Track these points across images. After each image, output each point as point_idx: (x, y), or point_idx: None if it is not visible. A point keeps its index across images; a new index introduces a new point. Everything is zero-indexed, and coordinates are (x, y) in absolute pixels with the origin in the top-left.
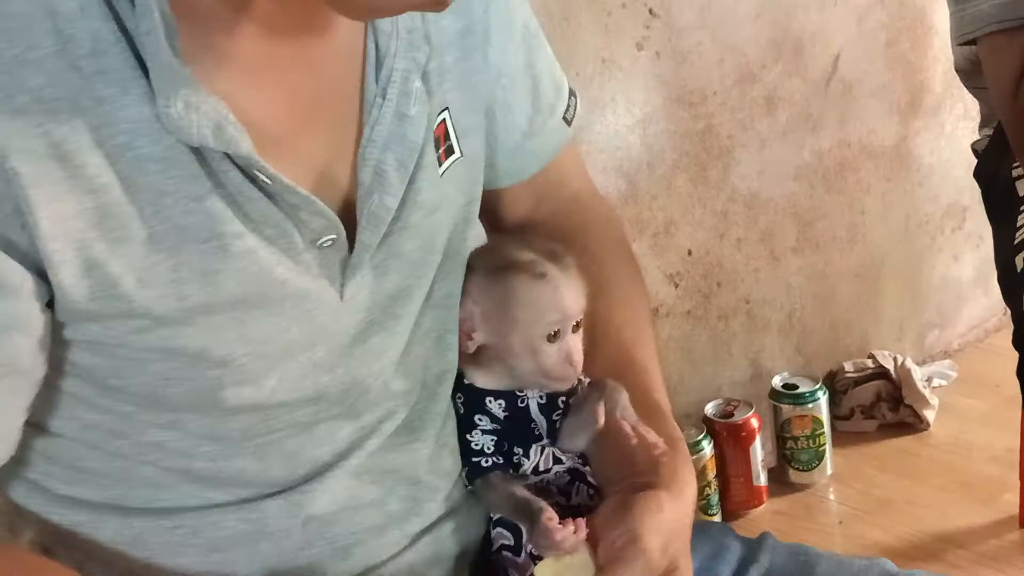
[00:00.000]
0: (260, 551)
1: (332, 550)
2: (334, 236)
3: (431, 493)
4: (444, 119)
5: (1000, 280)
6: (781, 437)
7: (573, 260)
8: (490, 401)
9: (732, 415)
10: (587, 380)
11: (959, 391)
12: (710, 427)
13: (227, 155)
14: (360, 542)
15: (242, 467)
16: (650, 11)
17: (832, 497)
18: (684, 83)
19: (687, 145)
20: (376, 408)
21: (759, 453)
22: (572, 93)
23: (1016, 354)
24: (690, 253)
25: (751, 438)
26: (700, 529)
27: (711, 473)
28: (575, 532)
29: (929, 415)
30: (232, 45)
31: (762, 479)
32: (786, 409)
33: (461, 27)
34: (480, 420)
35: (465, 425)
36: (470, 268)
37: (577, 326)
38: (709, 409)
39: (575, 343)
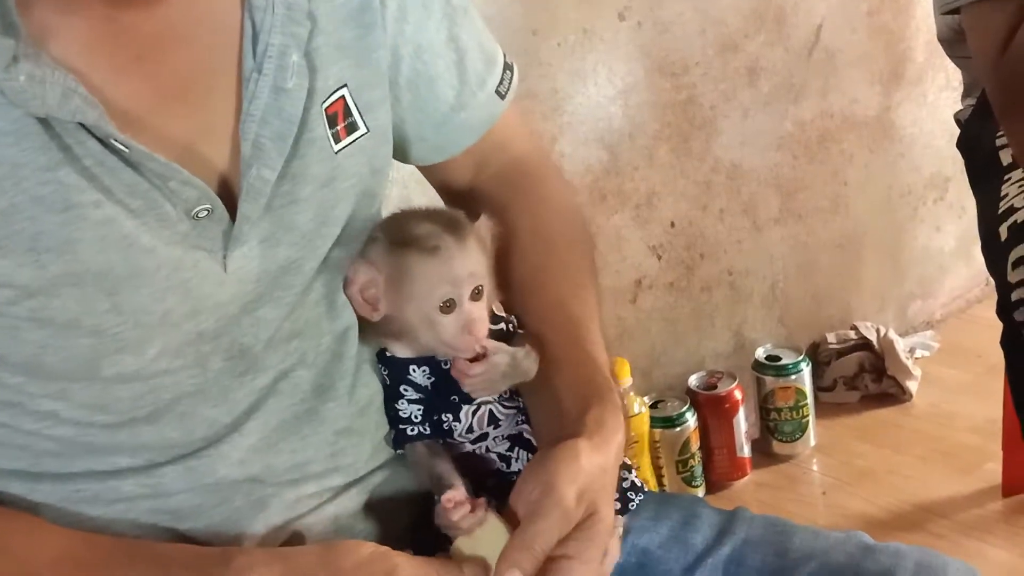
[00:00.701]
0: (169, 508)
1: (249, 503)
2: (208, 206)
3: (351, 449)
4: (343, 96)
5: (984, 249)
6: (764, 408)
7: (475, 227)
8: (413, 370)
9: (715, 387)
10: (518, 330)
11: (941, 362)
12: (693, 399)
13: (83, 126)
14: (275, 495)
15: (137, 434)
16: None
17: (815, 468)
18: (666, 53)
19: (669, 116)
20: (269, 371)
21: (742, 425)
22: (508, 67)
23: (999, 324)
24: (673, 225)
25: (734, 410)
26: (671, 500)
27: (695, 445)
28: (473, 511)
29: (912, 386)
30: (78, 20)
31: (745, 450)
32: (769, 381)
33: (357, 4)
34: (405, 391)
35: (391, 396)
36: (373, 239)
37: (477, 293)
38: (692, 381)
39: (475, 311)
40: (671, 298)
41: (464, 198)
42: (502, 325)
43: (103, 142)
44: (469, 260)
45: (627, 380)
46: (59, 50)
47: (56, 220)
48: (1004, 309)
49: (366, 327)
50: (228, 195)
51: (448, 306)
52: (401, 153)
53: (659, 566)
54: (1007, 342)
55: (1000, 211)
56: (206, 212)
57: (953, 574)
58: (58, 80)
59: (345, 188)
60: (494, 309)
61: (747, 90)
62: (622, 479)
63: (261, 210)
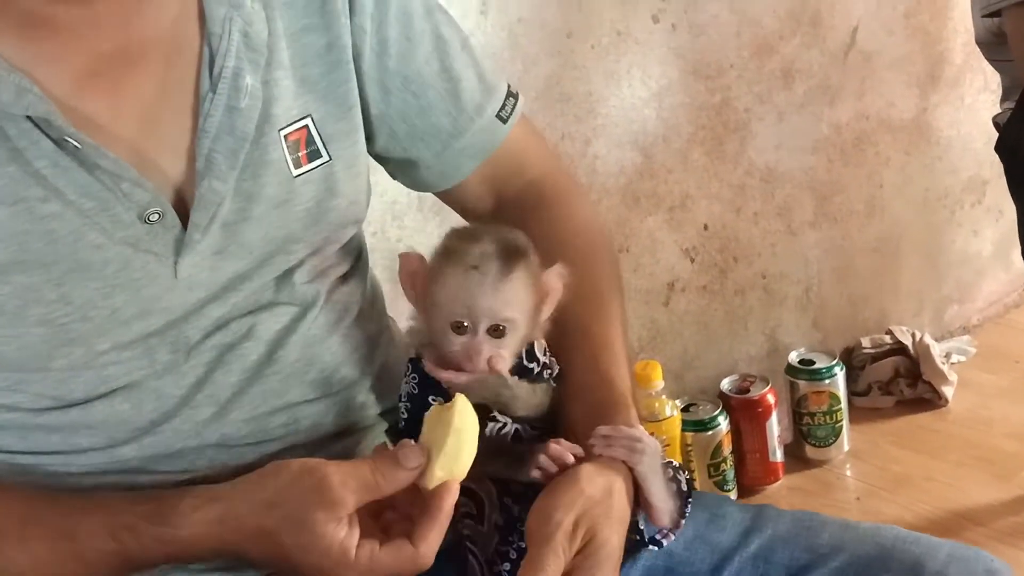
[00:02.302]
0: (136, 481)
1: (212, 465)
2: (159, 210)
3: (311, 415)
4: (306, 125)
5: None
6: (797, 413)
7: (527, 265)
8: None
9: (748, 391)
10: (554, 365)
11: (978, 367)
12: (726, 403)
13: (38, 127)
14: (238, 456)
15: (89, 411)
16: None
17: (849, 473)
18: (701, 55)
19: (703, 118)
20: (215, 348)
21: (775, 429)
22: (512, 95)
23: None
24: (706, 227)
25: (767, 414)
26: (696, 498)
27: (727, 449)
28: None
29: (947, 391)
30: (36, 34)
31: (778, 455)
32: (803, 385)
33: (324, 43)
34: (434, 399)
35: (417, 404)
36: (444, 236)
37: (497, 331)
38: (725, 384)
39: (484, 345)
40: (704, 301)
41: (500, 223)
42: (534, 366)
43: (56, 143)
44: (499, 297)
45: (659, 383)
46: (20, 63)
47: (4, 213)
48: None
49: (410, 331)
50: (183, 206)
51: (459, 328)
52: (411, 181)
53: (685, 568)
54: None
55: None
56: (157, 216)
57: (984, 567)
58: (13, 80)
59: (300, 211)
60: (535, 350)
61: (782, 92)
62: (677, 480)
63: (212, 221)
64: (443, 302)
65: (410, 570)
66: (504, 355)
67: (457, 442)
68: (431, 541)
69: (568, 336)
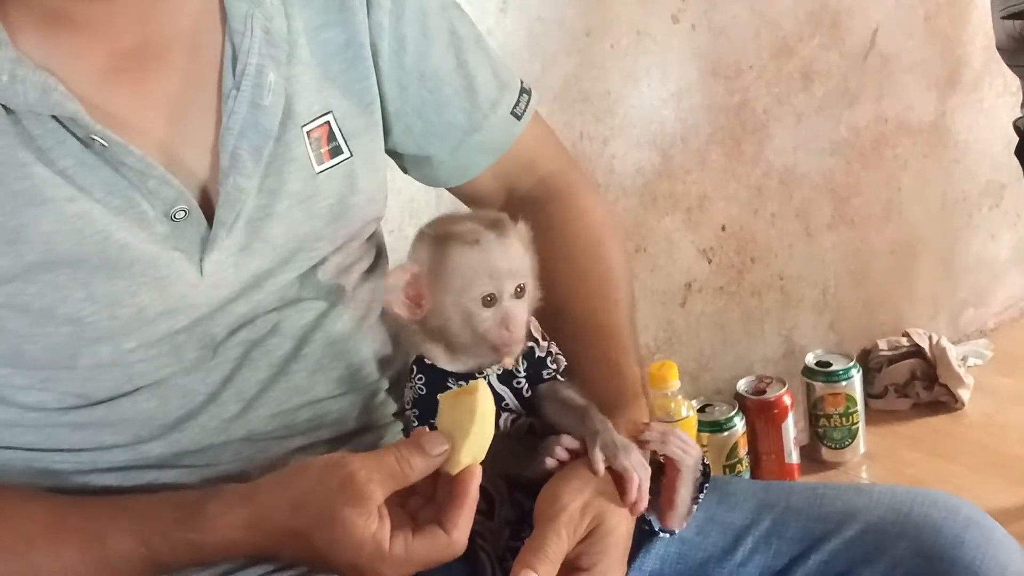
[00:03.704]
0: (160, 477)
1: (237, 460)
2: (185, 207)
3: (336, 409)
4: (328, 121)
5: None
6: (814, 415)
7: (517, 227)
8: (451, 382)
9: (764, 392)
10: (555, 350)
11: (994, 370)
12: (742, 404)
13: (63, 126)
14: (263, 451)
15: (115, 408)
16: None
17: (865, 476)
18: (720, 56)
19: (722, 119)
20: (241, 345)
21: (791, 430)
22: (525, 91)
23: None
24: (724, 228)
25: (783, 415)
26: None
27: (743, 450)
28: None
29: (964, 394)
30: (59, 33)
31: (794, 457)
32: (819, 387)
33: (343, 40)
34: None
35: (426, 407)
36: (419, 236)
37: (520, 290)
38: (741, 386)
39: (515, 309)
40: (721, 302)
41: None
42: (532, 345)
43: (83, 141)
44: (510, 256)
45: (675, 384)
46: (42, 60)
47: (34, 213)
48: None
49: (407, 333)
50: (207, 203)
51: (489, 300)
52: (424, 176)
53: (698, 552)
54: None
55: None
56: (183, 213)
57: (1000, 539)
58: (39, 79)
59: (322, 208)
60: (531, 330)
61: (801, 94)
62: (700, 469)
63: (237, 218)
64: (463, 283)
65: (445, 557)
66: (525, 318)
67: (481, 426)
68: (462, 527)
69: (577, 329)
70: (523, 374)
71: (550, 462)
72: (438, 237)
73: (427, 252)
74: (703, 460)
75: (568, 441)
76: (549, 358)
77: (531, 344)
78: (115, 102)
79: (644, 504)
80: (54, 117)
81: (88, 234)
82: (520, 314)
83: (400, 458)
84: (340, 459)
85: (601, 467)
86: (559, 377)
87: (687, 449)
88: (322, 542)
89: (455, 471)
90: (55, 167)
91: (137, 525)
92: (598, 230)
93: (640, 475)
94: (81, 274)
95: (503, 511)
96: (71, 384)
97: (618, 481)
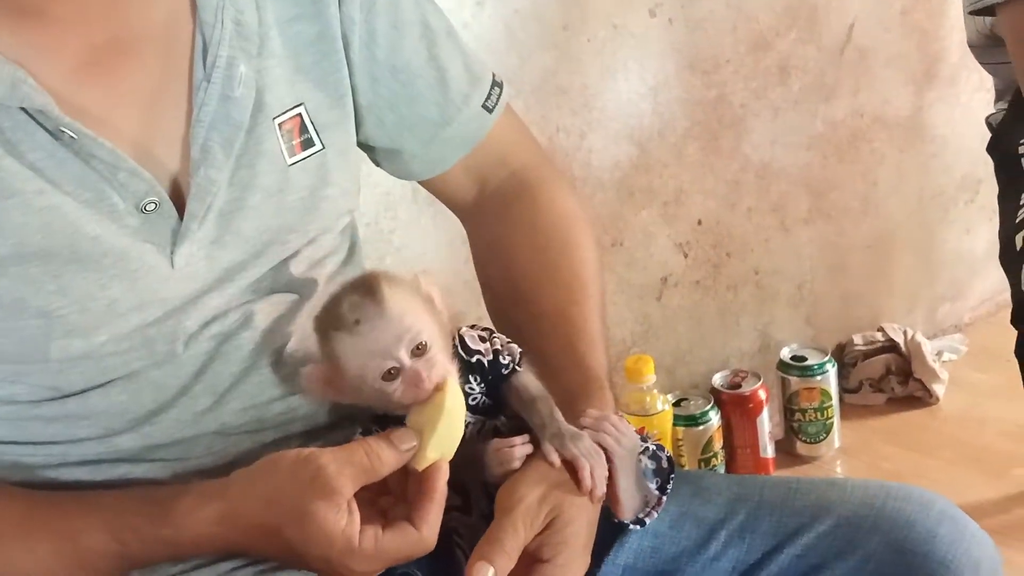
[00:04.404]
0: (133, 472)
1: (210, 453)
2: (156, 199)
3: (307, 404)
4: (300, 113)
5: (1001, 257)
6: (789, 409)
7: (390, 283)
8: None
9: (740, 386)
10: (503, 340)
11: (970, 365)
12: (717, 398)
13: (33, 118)
14: (235, 444)
15: (86, 401)
16: None
17: (839, 470)
18: (697, 50)
19: (699, 113)
20: (213, 338)
21: (766, 425)
22: (497, 84)
23: None
24: (700, 222)
25: (758, 409)
26: (680, 475)
27: (717, 444)
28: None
29: (938, 389)
30: (29, 25)
31: (769, 451)
32: (794, 381)
33: (314, 32)
34: None
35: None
36: (314, 327)
37: (420, 349)
38: (717, 380)
39: (419, 366)
40: (697, 296)
41: (471, 215)
42: (479, 357)
43: (52, 134)
44: (395, 324)
45: (651, 377)
46: (14, 55)
47: (1, 206)
48: (1019, 318)
49: None
50: (179, 196)
51: (391, 374)
52: (395, 169)
53: (671, 546)
54: (1022, 351)
55: (1018, 219)
56: (154, 205)
57: (973, 534)
58: (8, 72)
59: (294, 200)
60: (467, 343)
61: (778, 88)
62: (657, 458)
63: (208, 211)
64: (358, 371)
65: (415, 552)
66: (437, 366)
67: (449, 423)
68: (431, 522)
69: (545, 320)
70: (477, 389)
71: (505, 467)
72: (323, 329)
73: (321, 347)
74: (665, 451)
75: (497, 443)
76: (501, 355)
77: (477, 356)
78: (86, 95)
79: (601, 491)
80: (23, 110)
81: (58, 227)
82: (425, 368)
83: (370, 452)
84: (310, 454)
85: (555, 458)
86: (517, 368)
87: (619, 437)
88: (293, 537)
89: (422, 467)
90: (24, 160)
91: (109, 522)
92: (568, 223)
93: (591, 462)
94: (52, 267)
95: (479, 507)
96: (43, 377)
97: (572, 471)
